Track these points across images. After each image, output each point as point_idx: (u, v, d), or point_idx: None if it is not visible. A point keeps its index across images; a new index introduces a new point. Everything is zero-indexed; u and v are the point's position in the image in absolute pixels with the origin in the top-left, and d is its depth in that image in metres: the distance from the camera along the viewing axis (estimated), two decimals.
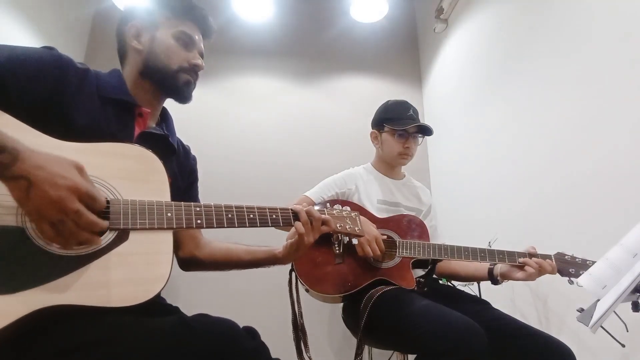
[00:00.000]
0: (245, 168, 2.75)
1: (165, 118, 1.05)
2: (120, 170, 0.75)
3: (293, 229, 0.97)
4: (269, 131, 2.87)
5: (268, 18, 3.03)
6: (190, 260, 1.06)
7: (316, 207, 1.02)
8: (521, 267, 1.21)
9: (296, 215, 0.95)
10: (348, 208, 1.10)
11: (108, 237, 0.70)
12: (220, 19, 2.93)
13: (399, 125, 1.50)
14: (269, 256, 1.04)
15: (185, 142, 1.11)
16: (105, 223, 0.66)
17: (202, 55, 1.02)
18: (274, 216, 0.92)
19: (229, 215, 0.85)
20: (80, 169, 0.64)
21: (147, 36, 0.95)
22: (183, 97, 1.00)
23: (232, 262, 1.06)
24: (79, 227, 0.62)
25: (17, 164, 0.58)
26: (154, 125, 0.99)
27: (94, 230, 0.64)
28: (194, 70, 0.99)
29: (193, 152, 1.13)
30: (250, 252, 1.06)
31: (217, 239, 1.10)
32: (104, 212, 0.69)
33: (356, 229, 1.06)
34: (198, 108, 2.78)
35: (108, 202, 0.71)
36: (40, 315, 0.60)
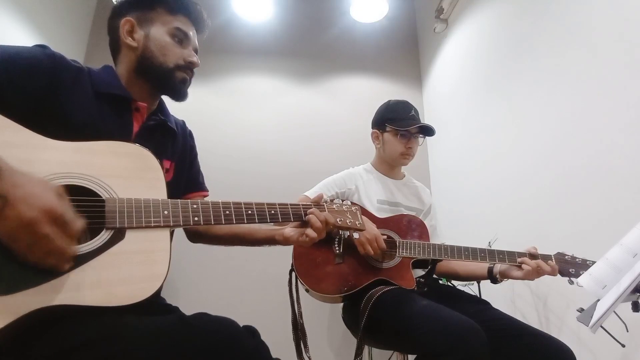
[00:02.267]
0: (245, 168, 2.75)
1: (160, 107, 1.05)
2: (116, 169, 0.75)
3: (292, 224, 0.98)
4: (268, 131, 2.87)
5: (268, 18, 3.03)
6: (195, 234, 1.09)
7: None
8: (519, 266, 1.21)
9: (297, 212, 0.95)
10: (349, 202, 1.10)
11: (104, 236, 0.69)
12: (220, 19, 2.93)
13: (401, 125, 1.50)
14: (269, 237, 1.04)
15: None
16: (74, 250, 0.63)
17: (196, 51, 1.01)
18: (272, 212, 0.91)
19: (227, 212, 0.84)
20: (59, 194, 0.62)
21: (141, 33, 0.94)
22: (179, 94, 0.99)
23: (232, 237, 1.08)
24: (47, 252, 0.59)
25: None
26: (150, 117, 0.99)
27: (61, 259, 0.61)
28: (189, 68, 0.98)
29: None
30: (251, 232, 1.07)
31: None
32: (98, 211, 0.68)
33: (357, 223, 1.05)
34: (198, 108, 2.79)
35: (103, 200, 0.71)
36: (38, 315, 0.60)
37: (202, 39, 1.05)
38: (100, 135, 0.77)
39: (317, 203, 1.01)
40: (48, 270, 0.62)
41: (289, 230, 1.00)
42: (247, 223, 0.87)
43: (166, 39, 0.95)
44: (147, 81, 0.96)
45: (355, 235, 1.25)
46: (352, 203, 1.11)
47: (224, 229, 1.09)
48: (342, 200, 1.09)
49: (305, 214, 0.96)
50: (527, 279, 1.20)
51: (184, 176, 1.05)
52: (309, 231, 0.94)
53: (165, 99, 1.04)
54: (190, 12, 0.99)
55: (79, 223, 0.63)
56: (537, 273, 1.17)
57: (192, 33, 0.99)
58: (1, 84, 0.74)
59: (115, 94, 0.90)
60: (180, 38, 0.96)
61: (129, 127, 0.91)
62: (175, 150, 1.02)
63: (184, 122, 1.12)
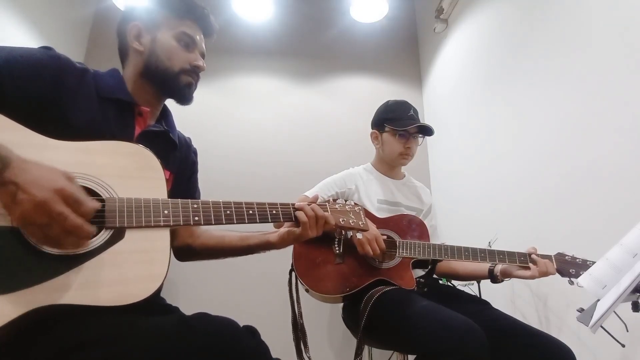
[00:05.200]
0: (244, 168, 2.74)
1: (164, 114, 1.05)
2: (116, 168, 0.75)
3: (288, 224, 0.98)
4: (268, 131, 2.87)
5: (268, 18, 3.03)
6: (184, 250, 1.05)
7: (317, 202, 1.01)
8: (525, 267, 1.21)
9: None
10: (352, 202, 1.09)
11: (104, 235, 0.69)
12: (220, 19, 2.92)
13: (400, 125, 1.50)
14: (262, 242, 1.02)
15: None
16: (91, 228, 0.64)
17: (203, 56, 1.01)
18: (274, 212, 0.91)
19: (228, 212, 0.84)
20: (69, 177, 0.63)
21: (148, 37, 0.95)
22: (184, 98, 0.99)
23: (225, 249, 1.05)
24: (65, 230, 0.60)
25: (7, 171, 0.58)
26: (153, 123, 0.99)
27: (80, 235, 0.62)
28: (195, 72, 0.98)
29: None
30: (242, 239, 1.04)
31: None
32: (99, 211, 0.68)
33: (360, 223, 1.05)
34: (198, 108, 2.78)
35: (103, 200, 0.71)
36: (36, 315, 0.60)
37: (210, 43, 1.05)
38: (102, 137, 0.77)
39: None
40: (68, 251, 0.64)
41: (284, 229, 0.99)
42: (247, 223, 0.87)
43: (172, 43, 0.95)
44: (152, 85, 0.96)
45: (359, 235, 1.24)
46: (354, 204, 1.10)
47: (215, 239, 1.05)
48: (345, 200, 1.09)
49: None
50: (530, 278, 1.20)
51: (182, 190, 1.04)
52: (300, 214, 0.93)
53: (170, 103, 1.03)
54: (197, 17, 0.99)
55: (91, 202, 0.64)
56: (544, 274, 1.18)
57: (199, 37, 0.99)
58: (5, 85, 0.74)
59: (119, 98, 0.90)
60: (187, 42, 0.97)
61: (131, 130, 0.91)
62: (175, 162, 1.02)
63: (189, 139, 1.12)
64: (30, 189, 0.58)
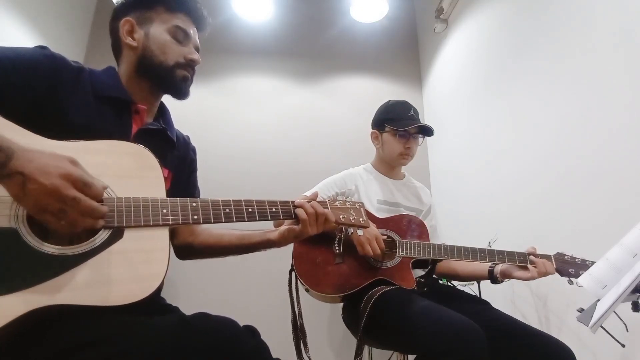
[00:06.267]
0: (245, 168, 2.74)
1: (162, 112, 1.04)
2: (114, 168, 0.75)
3: (288, 222, 0.97)
4: (269, 131, 2.87)
5: (268, 18, 3.03)
6: (185, 248, 1.04)
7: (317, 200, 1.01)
8: (524, 267, 1.21)
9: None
10: (352, 199, 1.08)
11: (102, 235, 0.69)
12: (220, 19, 2.93)
13: (400, 125, 1.50)
14: (263, 240, 1.02)
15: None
16: (105, 208, 0.66)
17: (197, 49, 1.00)
18: (274, 209, 0.91)
19: (227, 210, 0.84)
20: (73, 162, 0.64)
21: (141, 32, 0.94)
22: (181, 93, 0.99)
23: (225, 248, 1.04)
24: (80, 213, 0.61)
25: (12, 162, 0.58)
26: (151, 121, 0.98)
27: (95, 216, 0.64)
28: (190, 65, 0.98)
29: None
30: (243, 237, 1.04)
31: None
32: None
33: (360, 219, 1.04)
34: (198, 107, 2.79)
35: (101, 200, 0.70)
36: (36, 315, 0.60)
37: (203, 37, 1.05)
38: (99, 137, 0.77)
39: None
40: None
41: (284, 227, 0.99)
42: (247, 221, 0.86)
43: (166, 37, 0.94)
44: (148, 80, 0.95)
45: (359, 232, 1.24)
46: (354, 201, 1.10)
47: (215, 238, 1.05)
48: (345, 198, 1.08)
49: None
50: (530, 279, 1.20)
51: (181, 189, 1.04)
52: (300, 212, 0.93)
53: (167, 98, 1.03)
54: (190, 10, 0.99)
55: (99, 183, 0.65)
56: (543, 273, 1.17)
57: (192, 31, 0.99)
58: (1, 87, 0.74)
59: (115, 96, 0.90)
60: (181, 36, 0.96)
61: (128, 129, 0.91)
62: (173, 160, 1.01)
63: (188, 137, 1.11)
64: (38, 177, 0.58)
